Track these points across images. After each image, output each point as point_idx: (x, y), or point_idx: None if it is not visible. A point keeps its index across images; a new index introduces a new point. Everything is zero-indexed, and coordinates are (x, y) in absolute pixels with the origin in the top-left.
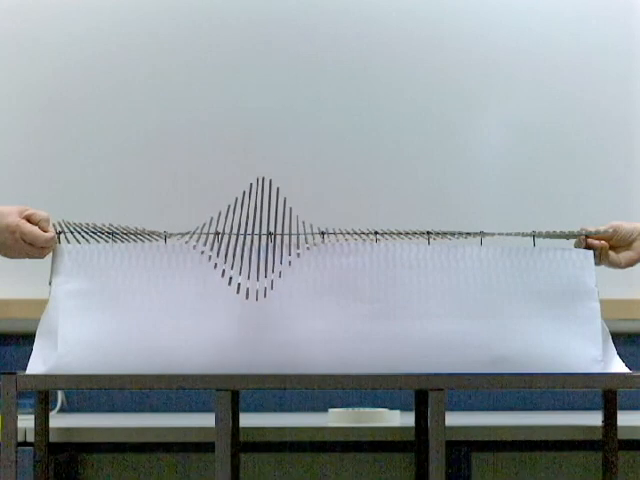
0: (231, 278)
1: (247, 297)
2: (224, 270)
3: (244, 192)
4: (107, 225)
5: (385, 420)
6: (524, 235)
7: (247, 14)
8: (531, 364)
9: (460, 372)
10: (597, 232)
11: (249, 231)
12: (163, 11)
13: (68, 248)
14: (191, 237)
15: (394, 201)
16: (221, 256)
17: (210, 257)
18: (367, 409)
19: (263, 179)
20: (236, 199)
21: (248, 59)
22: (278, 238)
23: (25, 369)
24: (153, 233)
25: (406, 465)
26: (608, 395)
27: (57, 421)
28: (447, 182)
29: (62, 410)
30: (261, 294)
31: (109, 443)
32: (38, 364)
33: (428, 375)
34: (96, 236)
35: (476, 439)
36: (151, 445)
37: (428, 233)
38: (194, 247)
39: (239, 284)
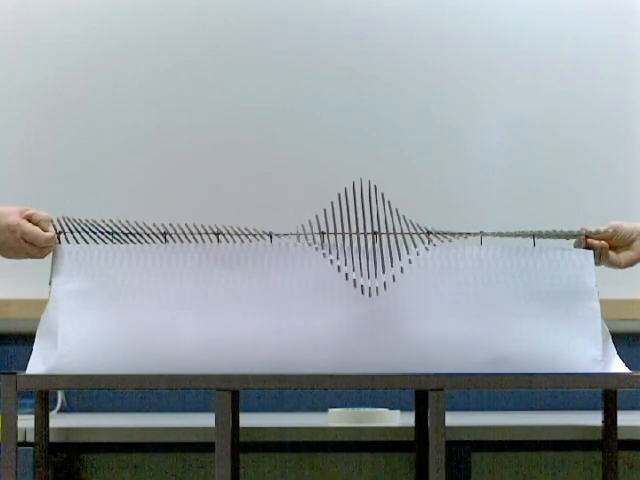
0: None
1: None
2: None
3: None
4: (107, 221)
5: (385, 420)
6: (524, 235)
7: (247, 15)
8: (531, 364)
9: (460, 372)
10: (597, 232)
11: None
12: (163, 11)
13: (68, 248)
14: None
15: (394, 201)
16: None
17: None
18: (367, 409)
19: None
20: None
21: (248, 59)
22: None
23: (25, 369)
24: (153, 232)
25: (406, 465)
26: (608, 395)
27: (57, 421)
28: (447, 182)
29: (62, 410)
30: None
31: (109, 443)
32: (38, 364)
33: (428, 375)
34: (96, 236)
35: (476, 439)
36: (151, 445)
37: (428, 233)
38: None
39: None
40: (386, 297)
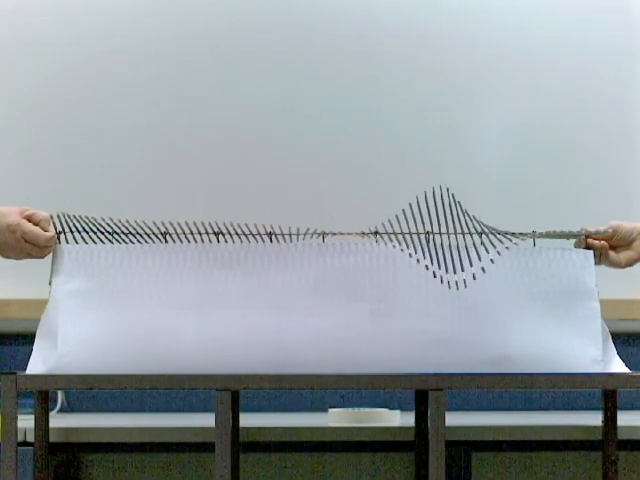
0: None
1: (449, 287)
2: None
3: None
4: (107, 219)
5: (385, 420)
6: (524, 235)
7: (248, 15)
8: (531, 364)
9: (460, 372)
10: (597, 232)
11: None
12: (163, 12)
13: (68, 248)
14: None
15: (394, 201)
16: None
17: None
18: (367, 409)
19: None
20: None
21: (248, 59)
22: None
23: (25, 369)
24: (153, 232)
25: (406, 465)
26: (608, 395)
27: (57, 421)
28: (447, 182)
29: (62, 410)
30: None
31: (109, 443)
32: (38, 364)
33: (428, 375)
34: (96, 236)
35: (476, 439)
36: (151, 445)
37: (427, 233)
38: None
39: (442, 277)
40: (385, 297)
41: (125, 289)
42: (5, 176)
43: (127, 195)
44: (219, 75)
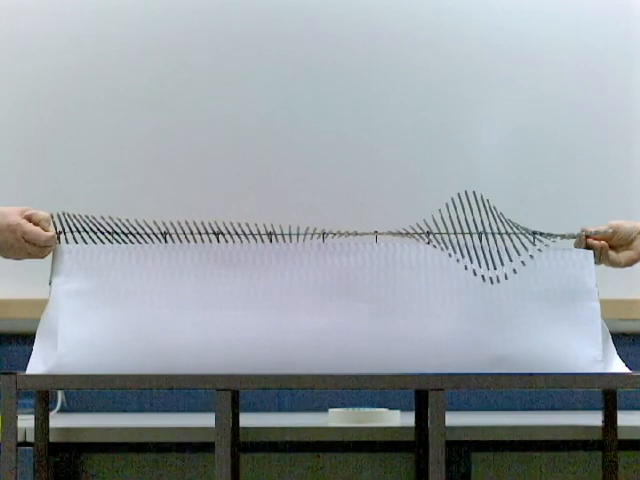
0: (466, 266)
1: (491, 283)
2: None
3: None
4: (107, 218)
5: (385, 420)
6: (524, 235)
7: (248, 15)
8: (531, 364)
9: (460, 372)
10: (597, 232)
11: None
12: (164, 12)
13: (68, 248)
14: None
15: (394, 201)
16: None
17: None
18: (367, 409)
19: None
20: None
21: (249, 59)
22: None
23: (25, 369)
24: (153, 232)
25: (406, 465)
26: (608, 395)
27: (57, 421)
28: (447, 182)
29: (62, 410)
30: (488, 280)
31: (109, 443)
32: (38, 364)
33: (428, 375)
34: (96, 236)
35: (476, 439)
36: (151, 445)
37: (428, 233)
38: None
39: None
40: (386, 297)
41: (125, 289)
42: (5, 176)
43: (127, 195)
44: (219, 75)
